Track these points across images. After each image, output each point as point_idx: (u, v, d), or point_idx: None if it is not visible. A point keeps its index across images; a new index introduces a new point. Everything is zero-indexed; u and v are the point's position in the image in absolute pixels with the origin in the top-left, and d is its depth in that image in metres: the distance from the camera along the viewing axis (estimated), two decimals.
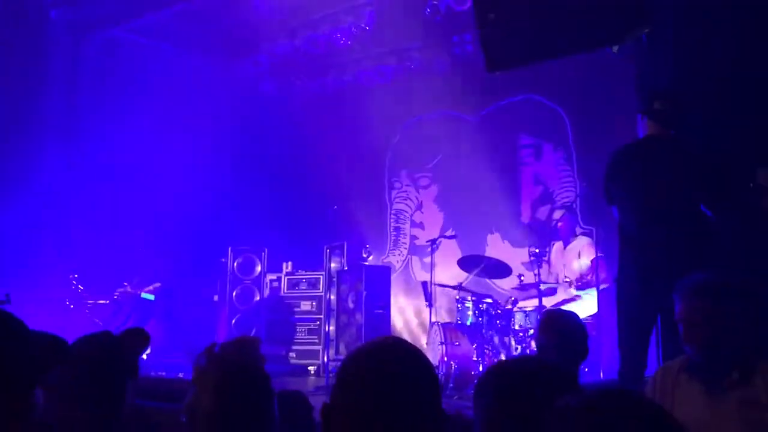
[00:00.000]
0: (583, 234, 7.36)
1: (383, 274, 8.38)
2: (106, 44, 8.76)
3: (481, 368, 6.47)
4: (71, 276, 7.90)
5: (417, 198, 9.87)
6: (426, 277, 8.15)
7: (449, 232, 9.02)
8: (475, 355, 6.62)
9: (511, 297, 7.31)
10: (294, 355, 8.80)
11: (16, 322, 1.67)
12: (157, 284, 8.36)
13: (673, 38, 4.50)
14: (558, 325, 3.45)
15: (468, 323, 6.90)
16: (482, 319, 6.78)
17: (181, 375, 6.29)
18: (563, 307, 6.82)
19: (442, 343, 6.65)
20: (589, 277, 6.81)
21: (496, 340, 6.73)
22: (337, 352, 8.13)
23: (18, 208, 7.42)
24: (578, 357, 3.39)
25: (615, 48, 4.80)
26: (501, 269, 7.33)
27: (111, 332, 2.64)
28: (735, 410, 2.47)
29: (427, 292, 7.74)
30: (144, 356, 8.04)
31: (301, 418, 3.04)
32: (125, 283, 8.27)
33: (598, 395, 1.14)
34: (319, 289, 8.83)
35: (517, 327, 6.72)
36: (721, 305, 2.55)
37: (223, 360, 1.90)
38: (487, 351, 6.60)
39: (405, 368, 1.41)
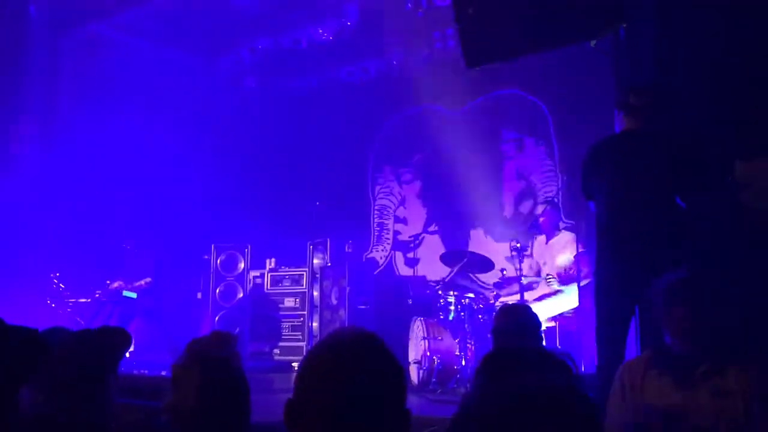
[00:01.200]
0: (566, 228, 7.39)
1: (366, 270, 8.38)
2: (86, 41, 8.69)
3: (463, 363, 6.50)
4: (52, 275, 7.84)
5: (400, 193, 9.88)
6: (409, 272, 8.19)
7: (432, 228, 9.04)
8: (457, 350, 6.64)
9: (493, 292, 7.35)
10: (278, 352, 8.78)
11: None
12: (148, 279, 8.31)
13: (650, 32, 4.51)
14: (513, 315, 3.75)
15: (450, 318, 6.92)
16: (464, 314, 6.80)
17: (163, 373, 6.27)
18: (545, 301, 6.87)
19: (424, 338, 6.66)
20: (571, 272, 6.84)
21: (477, 334, 6.75)
22: None
23: None
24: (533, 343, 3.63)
25: (593, 42, 4.82)
26: (483, 264, 7.36)
27: (91, 330, 2.64)
28: (708, 401, 2.49)
29: (410, 287, 7.76)
30: (127, 354, 8.04)
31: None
32: (108, 281, 8.21)
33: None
34: (302, 285, 8.81)
35: None
36: (689, 303, 2.58)
37: (204, 356, 1.90)
38: (469, 345, 6.62)
39: (367, 362, 1.40)
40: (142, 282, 8.22)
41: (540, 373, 1.31)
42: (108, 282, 8.20)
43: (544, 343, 6.51)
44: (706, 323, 2.58)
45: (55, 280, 7.87)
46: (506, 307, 4.28)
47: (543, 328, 6.60)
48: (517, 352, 1.77)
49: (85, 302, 7.95)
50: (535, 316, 3.97)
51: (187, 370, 1.91)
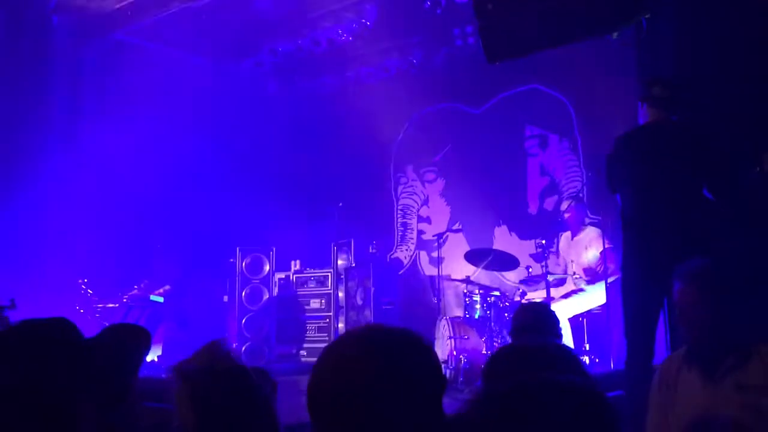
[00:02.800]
0: (592, 224, 7.31)
1: (391, 270, 8.38)
2: (108, 48, 8.77)
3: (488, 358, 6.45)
4: (80, 280, 7.92)
5: (423, 192, 9.84)
6: (434, 271, 8.15)
7: (456, 226, 8.99)
8: (484, 349, 6.61)
9: (519, 289, 7.29)
10: (305, 353, 8.80)
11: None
12: (167, 287, 8.37)
13: (673, 23, 4.46)
14: (531, 313, 3.77)
15: (476, 317, 6.88)
16: (490, 312, 6.76)
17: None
18: (572, 298, 6.81)
19: (450, 338, 6.64)
20: (598, 269, 6.77)
21: (504, 332, 6.71)
22: None
23: (24, 213, 7.45)
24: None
25: (615, 34, 4.76)
26: (508, 262, 7.30)
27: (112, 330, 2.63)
28: (732, 395, 2.45)
29: (435, 286, 7.73)
30: (155, 358, 8.11)
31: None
32: (135, 286, 8.29)
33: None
34: (327, 286, 8.83)
35: None
36: (711, 291, 2.53)
37: (189, 374, 1.87)
38: (496, 344, 6.57)
39: (392, 360, 1.34)
40: (161, 290, 8.28)
41: (551, 373, 1.27)
42: (135, 286, 8.27)
43: (562, 340, 6.50)
44: (724, 316, 2.53)
45: (83, 286, 7.95)
46: (524, 305, 4.30)
47: (565, 325, 6.61)
48: (524, 349, 1.75)
49: (113, 307, 8.02)
50: (552, 314, 3.95)
51: (179, 393, 1.89)
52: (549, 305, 4.19)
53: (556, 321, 3.91)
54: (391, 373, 1.32)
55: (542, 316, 3.88)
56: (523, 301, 6.85)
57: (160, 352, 8.19)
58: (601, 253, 6.63)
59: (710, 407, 2.46)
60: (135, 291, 8.18)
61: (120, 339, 2.47)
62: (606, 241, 6.46)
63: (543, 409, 1.04)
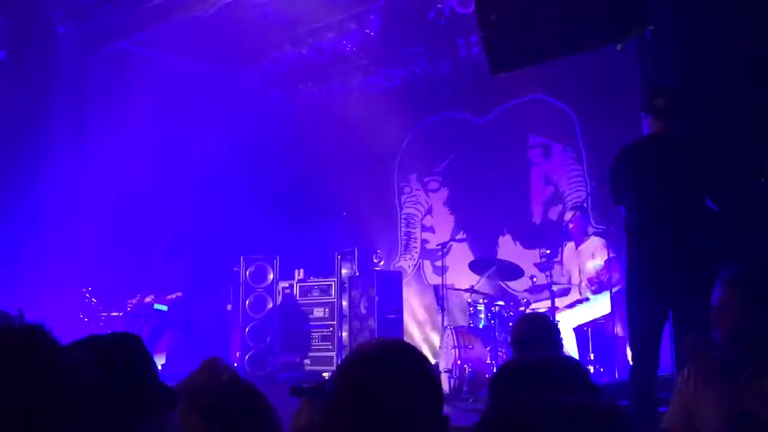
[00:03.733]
0: (596, 234, 7.31)
1: (395, 279, 8.38)
2: (113, 57, 8.82)
3: (495, 371, 6.45)
4: (84, 289, 7.94)
5: (427, 202, 9.85)
6: (437, 280, 8.14)
7: (460, 235, 8.99)
8: (488, 358, 6.60)
9: (523, 299, 7.29)
10: (309, 362, 8.79)
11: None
12: (179, 293, 8.38)
13: (676, 34, 4.47)
14: (532, 323, 3.76)
15: (480, 326, 6.88)
16: (495, 321, 6.75)
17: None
18: (576, 308, 6.81)
19: (455, 347, 6.63)
20: (603, 278, 6.77)
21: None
22: None
23: (28, 222, 7.47)
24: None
25: (619, 46, 4.78)
26: (513, 271, 7.30)
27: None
28: (755, 404, 2.45)
29: (439, 295, 7.72)
30: (159, 367, 8.11)
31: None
32: (139, 295, 8.30)
33: None
34: (331, 295, 8.82)
35: None
36: (751, 296, 2.54)
37: (197, 396, 1.88)
38: (500, 353, 6.57)
39: (399, 375, 1.38)
40: (173, 296, 8.29)
41: (566, 390, 1.28)
42: (139, 295, 8.28)
43: (564, 351, 6.49)
44: (754, 323, 2.54)
45: (87, 295, 7.97)
46: (524, 316, 4.30)
47: (570, 334, 6.60)
48: (534, 363, 1.75)
49: (117, 316, 8.03)
50: (553, 325, 3.95)
51: (188, 415, 1.89)
52: (550, 316, 4.18)
53: (557, 332, 3.90)
54: (398, 382, 1.38)
55: (543, 327, 3.86)
56: (527, 311, 6.85)
57: (164, 361, 8.19)
58: (605, 262, 6.63)
59: (733, 415, 2.46)
60: (142, 299, 8.19)
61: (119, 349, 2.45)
62: (610, 251, 6.46)
63: None
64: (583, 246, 7.12)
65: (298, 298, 8.98)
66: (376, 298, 7.87)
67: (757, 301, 2.54)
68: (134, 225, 8.50)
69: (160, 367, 7.12)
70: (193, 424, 1.84)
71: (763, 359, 2.51)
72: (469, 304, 7.13)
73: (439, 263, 8.41)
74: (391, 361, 1.40)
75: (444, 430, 1.42)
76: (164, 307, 8.22)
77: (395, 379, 1.37)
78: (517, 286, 8.06)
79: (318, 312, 8.86)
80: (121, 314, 8.07)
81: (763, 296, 2.55)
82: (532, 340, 3.71)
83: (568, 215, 7.34)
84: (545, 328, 3.85)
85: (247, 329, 8.73)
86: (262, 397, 1.93)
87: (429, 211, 9.81)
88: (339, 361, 8.38)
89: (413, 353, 1.45)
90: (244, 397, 1.89)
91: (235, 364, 8.14)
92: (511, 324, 6.62)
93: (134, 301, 8.17)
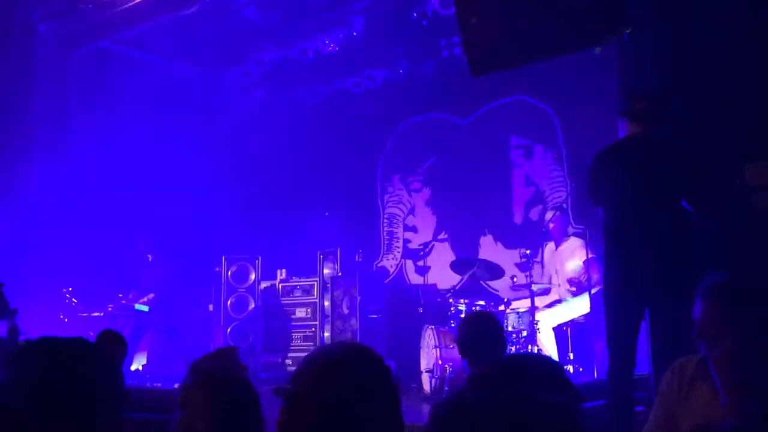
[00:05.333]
0: (575, 234, 7.38)
1: (377, 279, 8.40)
2: (94, 56, 8.76)
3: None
4: (64, 289, 7.89)
5: (409, 202, 9.89)
6: (420, 280, 8.19)
7: (442, 235, 9.04)
8: None
9: (504, 298, 7.33)
10: (290, 362, 8.78)
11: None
12: (151, 295, 8.35)
13: (654, 37, 4.52)
14: (476, 323, 3.81)
15: None
16: None
17: (176, 386, 6.28)
18: (556, 308, 6.86)
19: (436, 347, 6.66)
20: (582, 278, 6.83)
21: None
22: None
23: (7, 222, 7.41)
24: (498, 351, 3.71)
25: (598, 49, 4.83)
26: (494, 271, 7.36)
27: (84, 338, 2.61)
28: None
29: (421, 295, 7.76)
30: (140, 367, 8.08)
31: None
32: (120, 295, 8.26)
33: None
34: (313, 295, 8.83)
35: (510, 328, 6.73)
36: (733, 307, 2.56)
37: (210, 377, 1.90)
38: None
39: (356, 377, 1.41)
40: (145, 298, 8.26)
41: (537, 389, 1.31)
42: (120, 295, 8.25)
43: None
44: (737, 334, 2.55)
45: (68, 295, 7.92)
46: (468, 317, 4.31)
47: (550, 334, 6.66)
48: (512, 365, 1.78)
49: (97, 316, 7.99)
50: (498, 323, 3.94)
51: (195, 392, 1.91)
52: (492, 314, 4.20)
53: (501, 329, 3.90)
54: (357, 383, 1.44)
55: (487, 326, 3.85)
56: (508, 310, 6.89)
57: (144, 361, 8.16)
58: (584, 262, 6.70)
59: (722, 419, 2.48)
60: (121, 300, 8.16)
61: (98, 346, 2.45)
62: (589, 251, 6.53)
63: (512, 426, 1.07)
64: (563, 246, 7.19)
65: (280, 298, 8.98)
66: (359, 298, 7.89)
67: (739, 311, 2.56)
68: (115, 225, 8.45)
69: (141, 368, 7.06)
70: (198, 406, 1.86)
71: (747, 369, 2.53)
72: (450, 303, 7.16)
73: (421, 263, 8.45)
74: (347, 363, 1.43)
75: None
76: (145, 308, 8.19)
77: (352, 382, 1.40)
78: (498, 285, 8.11)
79: (300, 312, 8.87)
80: (101, 314, 8.02)
81: (744, 307, 2.57)
82: (478, 339, 3.73)
83: (549, 215, 7.40)
84: (490, 326, 3.84)
85: (228, 329, 8.72)
86: (255, 395, 1.97)
87: (411, 211, 9.84)
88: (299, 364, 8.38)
89: (369, 356, 1.48)
90: (244, 390, 1.92)
91: None
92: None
93: (115, 302, 8.13)
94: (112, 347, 2.60)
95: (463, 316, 6.54)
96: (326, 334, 8.54)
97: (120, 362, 2.51)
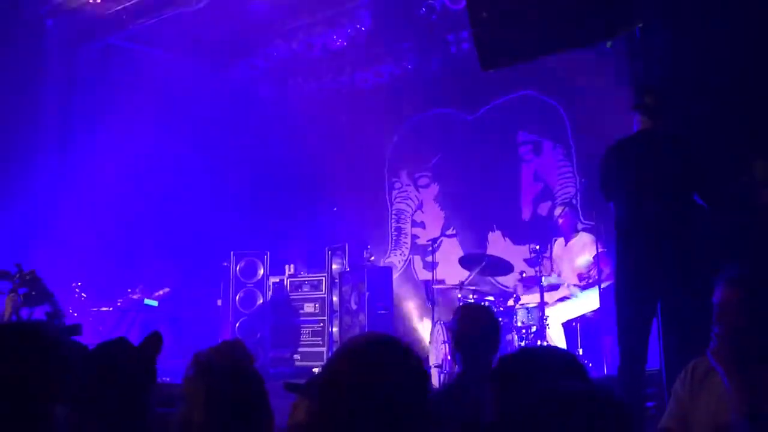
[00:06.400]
0: (585, 230, 7.35)
1: (385, 275, 8.39)
2: (102, 52, 8.78)
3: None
4: (74, 284, 7.91)
5: (417, 197, 9.87)
6: (428, 276, 8.17)
7: (450, 231, 9.01)
8: None
9: (513, 294, 7.32)
10: (299, 357, 8.80)
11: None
12: (167, 289, 8.37)
13: (666, 32, 4.49)
14: (472, 315, 3.60)
15: None
16: None
17: None
18: (565, 303, 6.85)
19: (444, 342, 6.65)
20: (592, 273, 6.80)
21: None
22: None
23: (17, 217, 7.43)
24: (490, 346, 3.50)
25: (609, 43, 4.81)
26: (502, 267, 7.33)
27: (126, 338, 2.61)
28: (752, 399, 2.47)
29: (429, 291, 7.75)
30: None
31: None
32: (129, 290, 8.28)
33: None
34: (321, 290, 8.83)
35: (519, 324, 6.72)
36: (753, 296, 2.56)
37: (211, 369, 1.90)
38: None
39: (388, 369, 1.40)
40: (161, 292, 8.28)
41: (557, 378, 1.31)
42: (129, 290, 8.26)
43: (521, 344, 6.47)
44: (755, 323, 2.56)
45: (77, 290, 7.94)
46: (462, 308, 4.08)
47: (559, 329, 6.64)
48: (526, 356, 1.77)
49: (107, 311, 8.02)
50: (492, 315, 3.76)
51: (194, 383, 1.91)
52: (487, 305, 4.05)
53: (496, 320, 3.70)
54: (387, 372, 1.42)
55: (483, 319, 3.69)
56: (517, 306, 6.88)
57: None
58: (594, 258, 6.67)
59: (729, 409, 2.48)
60: (132, 295, 8.18)
61: (136, 346, 2.45)
62: (599, 246, 6.50)
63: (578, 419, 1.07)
64: (573, 242, 7.16)
65: (288, 293, 8.98)
66: (367, 294, 7.89)
67: (759, 300, 2.56)
68: (124, 220, 8.47)
69: None
70: (197, 397, 1.86)
71: (764, 358, 2.53)
72: (458, 299, 7.15)
73: (429, 258, 8.43)
74: (379, 355, 1.42)
75: (429, 424, 1.44)
76: (154, 303, 8.21)
77: (384, 374, 1.39)
78: (507, 281, 8.09)
79: (308, 307, 8.87)
80: (111, 309, 8.05)
81: (764, 296, 2.57)
82: (473, 333, 3.53)
83: (558, 211, 7.37)
84: (485, 319, 3.64)
85: (237, 324, 8.74)
86: (261, 387, 1.96)
87: (419, 207, 9.83)
88: (329, 356, 8.41)
89: (401, 347, 1.47)
90: (246, 383, 1.92)
91: None
92: (501, 319, 6.70)
93: (124, 297, 8.15)
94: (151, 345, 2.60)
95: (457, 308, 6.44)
96: (334, 330, 8.55)
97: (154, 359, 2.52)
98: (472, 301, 6.97)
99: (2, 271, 4.42)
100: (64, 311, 4.41)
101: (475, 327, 3.54)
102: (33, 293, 4.33)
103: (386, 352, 1.44)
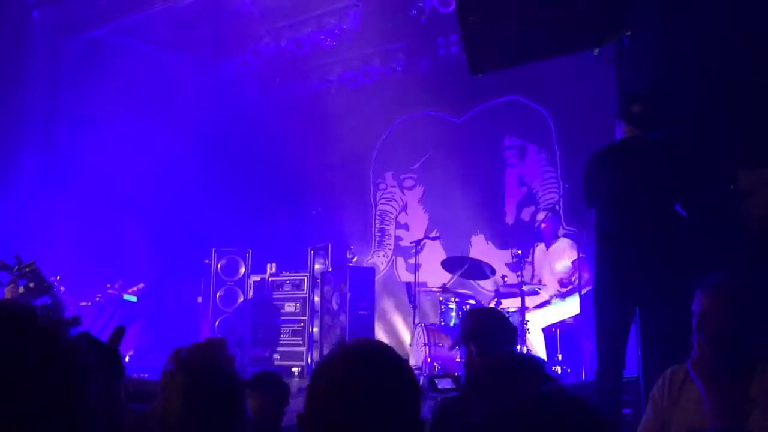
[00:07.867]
0: (566, 235, 7.39)
1: (367, 276, 8.38)
2: (88, 45, 8.69)
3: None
4: (53, 278, 7.82)
5: (402, 199, 9.88)
6: (410, 278, 8.17)
7: (433, 234, 9.03)
8: (458, 356, 6.62)
9: (494, 298, 7.34)
10: (278, 357, 8.78)
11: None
12: (141, 285, 8.31)
13: (654, 40, 4.52)
14: (482, 319, 3.56)
15: (452, 324, 6.91)
16: None
17: None
18: (545, 308, 6.87)
19: (425, 345, 6.66)
20: (573, 278, 6.84)
21: None
22: (321, 353, 8.13)
23: None
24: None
25: (596, 50, 4.82)
26: (484, 270, 7.35)
27: (90, 333, 2.59)
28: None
29: (411, 293, 7.75)
30: (127, 358, 8.03)
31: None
32: (108, 285, 8.22)
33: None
34: (303, 290, 8.81)
35: None
36: (734, 303, 2.57)
37: (190, 364, 1.89)
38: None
39: (380, 374, 1.39)
40: (135, 288, 8.22)
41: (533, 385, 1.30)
42: (108, 286, 8.20)
43: (515, 346, 6.48)
44: (736, 330, 2.57)
45: (56, 283, 7.85)
46: (470, 311, 4.08)
47: (539, 334, 6.66)
48: (504, 362, 1.77)
49: (85, 305, 7.94)
50: (504, 319, 3.74)
51: (172, 377, 1.91)
52: (497, 309, 4.03)
53: (507, 325, 3.71)
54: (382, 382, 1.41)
55: (492, 322, 3.66)
56: (500, 307, 6.90)
57: (131, 352, 8.12)
58: (572, 263, 6.70)
59: (707, 419, 2.49)
60: (109, 290, 8.11)
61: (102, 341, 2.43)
62: (579, 252, 6.53)
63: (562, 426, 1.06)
64: (553, 247, 7.19)
65: (269, 292, 8.95)
66: (349, 294, 7.88)
67: (740, 308, 2.57)
68: (106, 214, 8.40)
69: (127, 358, 7.01)
70: (174, 393, 1.85)
71: (743, 365, 2.54)
72: (440, 302, 7.16)
73: (412, 260, 8.44)
74: (371, 360, 1.41)
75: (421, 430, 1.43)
76: (134, 298, 8.15)
77: (376, 379, 1.38)
78: (489, 285, 8.11)
79: (289, 306, 8.85)
80: (89, 304, 7.98)
81: (745, 304, 2.58)
82: (481, 334, 3.49)
83: (540, 216, 7.40)
84: (494, 322, 3.65)
85: (217, 322, 8.70)
86: (237, 387, 1.95)
87: (404, 209, 9.83)
88: (309, 356, 8.38)
89: (392, 354, 1.46)
90: (223, 381, 1.91)
91: None
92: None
93: (104, 292, 8.08)
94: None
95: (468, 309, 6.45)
96: (315, 330, 8.53)
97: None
98: (455, 304, 6.99)
99: (1, 263, 4.38)
100: (64, 303, 4.39)
101: (482, 329, 3.48)
102: (32, 285, 4.30)
103: (382, 357, 1.44)
